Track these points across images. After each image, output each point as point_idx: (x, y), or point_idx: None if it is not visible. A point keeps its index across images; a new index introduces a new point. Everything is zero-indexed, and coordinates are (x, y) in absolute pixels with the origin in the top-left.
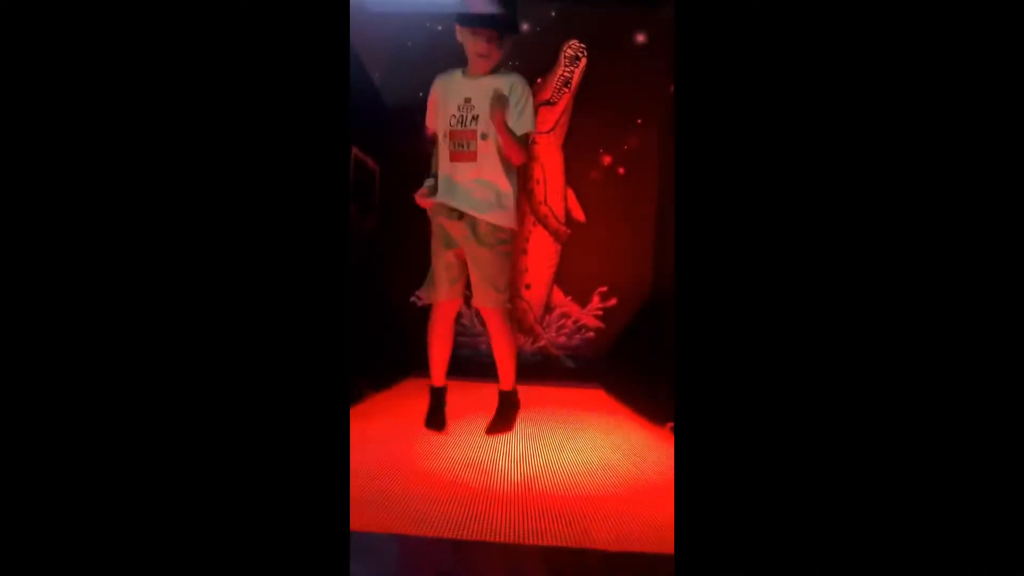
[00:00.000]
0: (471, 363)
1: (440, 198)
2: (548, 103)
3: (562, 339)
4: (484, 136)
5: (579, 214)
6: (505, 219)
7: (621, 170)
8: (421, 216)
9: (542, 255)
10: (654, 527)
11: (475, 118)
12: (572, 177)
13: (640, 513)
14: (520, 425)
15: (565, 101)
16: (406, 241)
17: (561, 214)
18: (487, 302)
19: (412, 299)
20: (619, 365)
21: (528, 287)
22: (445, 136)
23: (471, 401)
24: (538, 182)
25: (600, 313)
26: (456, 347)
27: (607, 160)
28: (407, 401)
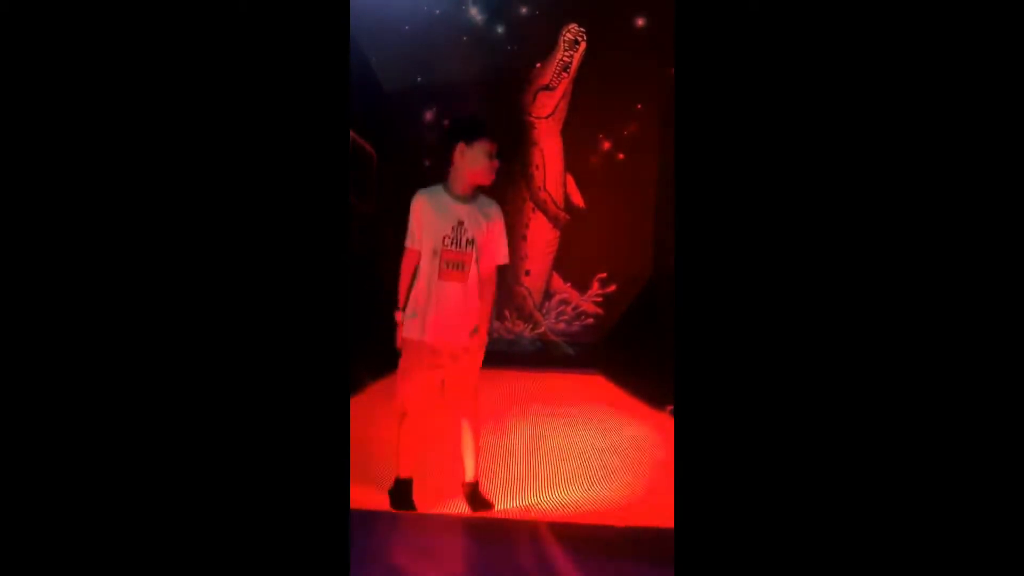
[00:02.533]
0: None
1: (425, 331)
2: (547, 88)
3: (561, 325)
4: (477, 260)
5: (578, 200)
6: (481, 344)
7: (621, 155)
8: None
9: (541, 241)
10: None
11: (470, 242)
12: (571, 163)
13: (641, 489)
14: (520, 412)
15: (564, 86)
16: (403, 225)
17: (560, 200)
18: (464, 411)
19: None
20: (619, 351)
21: (527, 273)
22: (436, 254)
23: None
24: (537, 167)
25: (600, 299)
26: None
27: (606, 145)
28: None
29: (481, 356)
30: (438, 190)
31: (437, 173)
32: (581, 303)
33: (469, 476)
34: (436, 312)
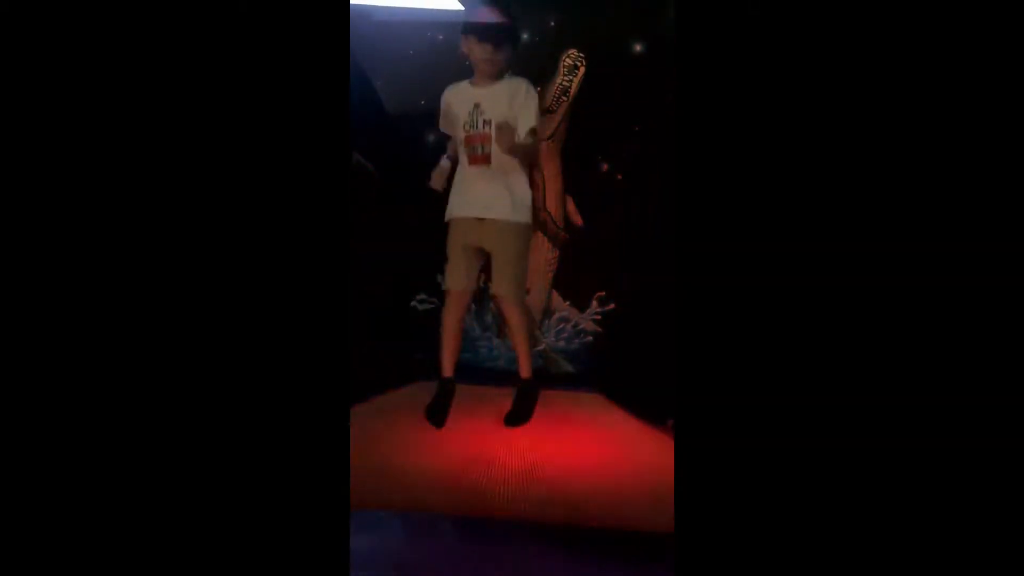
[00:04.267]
0: (471, 369)
1: (460, 209)
2: (547, 111)
3: (561, 344)
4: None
5: (578, 219)
6: (523, 217)
7: (619, 176)
8: (420, 220)
9: (541, 260)
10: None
11: (487, 122)
12: (571, 183)
13: (640, 494)
14: (521, 428)
15: (563, 109)
16: (405, 244)
17: (560, 220)
18: (508, 293)
19: (413, 304)
20: (618, 370)
21: (527, 292)
22: (460, 143)
23: (473, 405)
24: (538, 188)
25: (599, 318)
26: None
27: (605, 167)
28: (408, 401)
29: (525, 239)
30: (463, 84)
31: (439, 193)
32: (581, 321)
33: (524, 374)
34: (472, 193)
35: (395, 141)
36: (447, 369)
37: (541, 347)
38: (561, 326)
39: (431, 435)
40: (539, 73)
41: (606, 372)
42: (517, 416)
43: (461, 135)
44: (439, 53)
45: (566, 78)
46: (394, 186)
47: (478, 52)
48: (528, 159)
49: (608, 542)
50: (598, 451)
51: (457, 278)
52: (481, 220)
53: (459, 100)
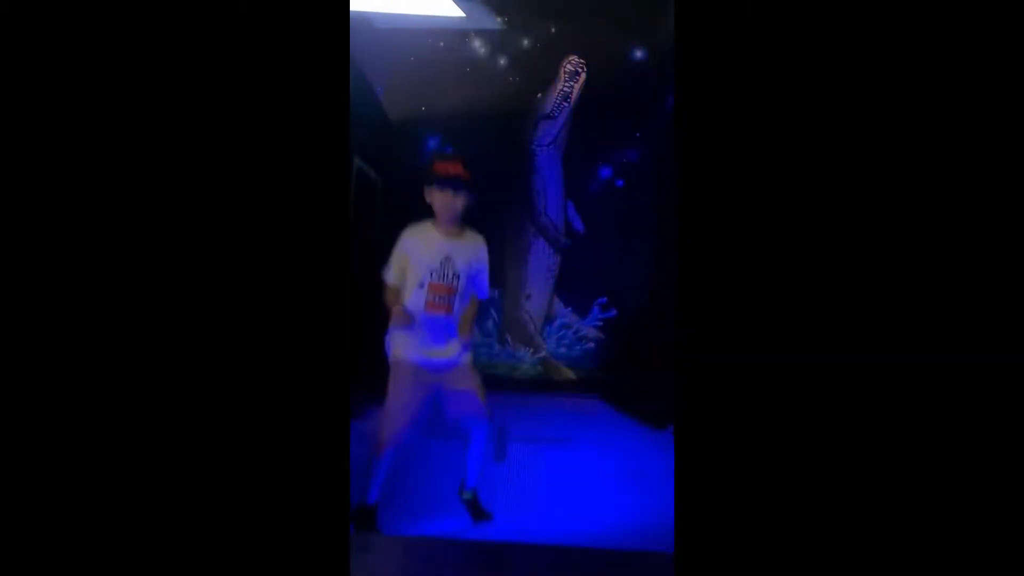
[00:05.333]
0: None
1: (414, 350)
2: (548, 117)
3: (562, 350)
4: (461, 294)
5: (579, 225)
6: (468, 360)
7: (620, 182)
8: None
9: (542, 266)
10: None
11: (456, 275)
12: (572, 189)
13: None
14: (521, 435)
15: (564, 115)
16: None
17: (561, 225)
18: (470, 417)
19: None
20: (619, 375)
21: (528, 298)
22: (423, 287)
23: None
24: (538, 194)
25: (600, 324)
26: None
27: (606, 173)
28: None
29: (471, 368)
30: (427, 226)
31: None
32: (582, 327)
33: (471, 483)
34: (424, 337)
35: (396, 147)
36: (372, 495)
37: (542, 354)
38: (562, 332)
39: (431, 447)
40: (540, 79)
41: (608, 378)
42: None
43: (425, 279)
44: (439, 60)
45: (567, 84)
46: (395, 192)
47: (439, 199)
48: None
49: (610, 563)
50: (600, 463)
51: (397, 427)
52: (436, 362)
53: (427, 247)
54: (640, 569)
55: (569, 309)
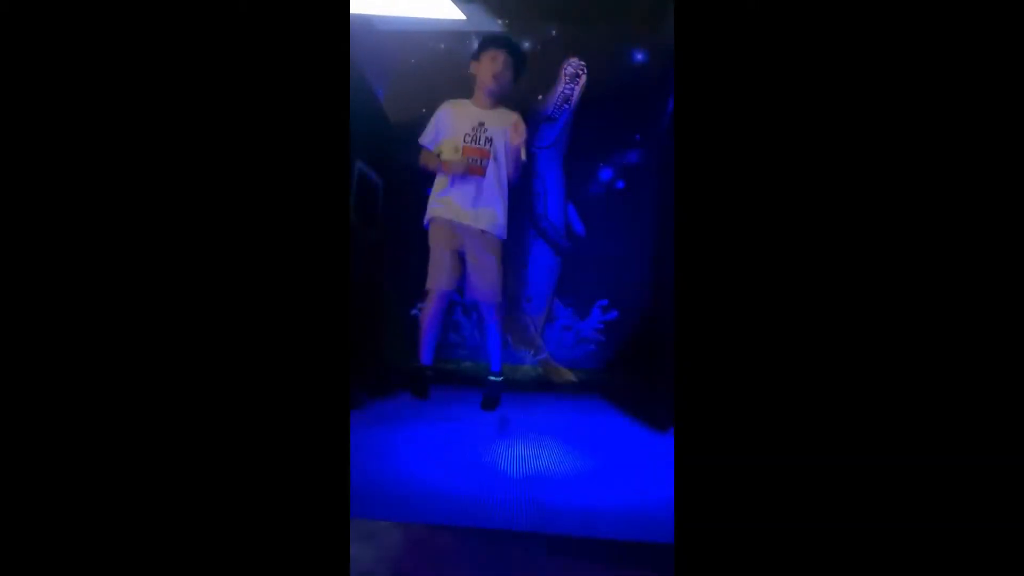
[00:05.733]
0: (473, 374)
1: (449, 211)
2: (549, 119)
3: (563, 351)
4: (495, 158)
5: (579, 227)
6: (501, 232)
7: (620, 184)
8: (422, 229)
9: (543, 268)
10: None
11: (488, 140)
12: (572, 191)
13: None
14: (522, 435)
15: (565, 117)
16: (408, 253)
17: (562, 227)
18: (486, 296)
19: (414, 312)
20: (621, 378)
21: (529, 300)
22: (457, 150)
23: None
24: (538, 196)
25: (601, 326)
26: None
27: (607, 175)
28: (407, 411)
29: (494, 242)
30: (464, 101)
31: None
32: (583, 329)
33: (496, 367)
34: (459, 198)
35: (397, 150)
36: (425, 358)
37: (543, 356)
38: (563, 334)
39: (431, 442)
40: (540, 81)
41: (610, 379)
42: (489, 405)
43: (458, 144)
44: (441, 62)
45: (568, 86)
46: (396, 195)
47: (485, 65)
48: (512, 178)
49: (609, 552)
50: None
51: (441, 279)
52: (465, 227)
53: (462, 114)
54: (640, 559)
55: (570, 311)
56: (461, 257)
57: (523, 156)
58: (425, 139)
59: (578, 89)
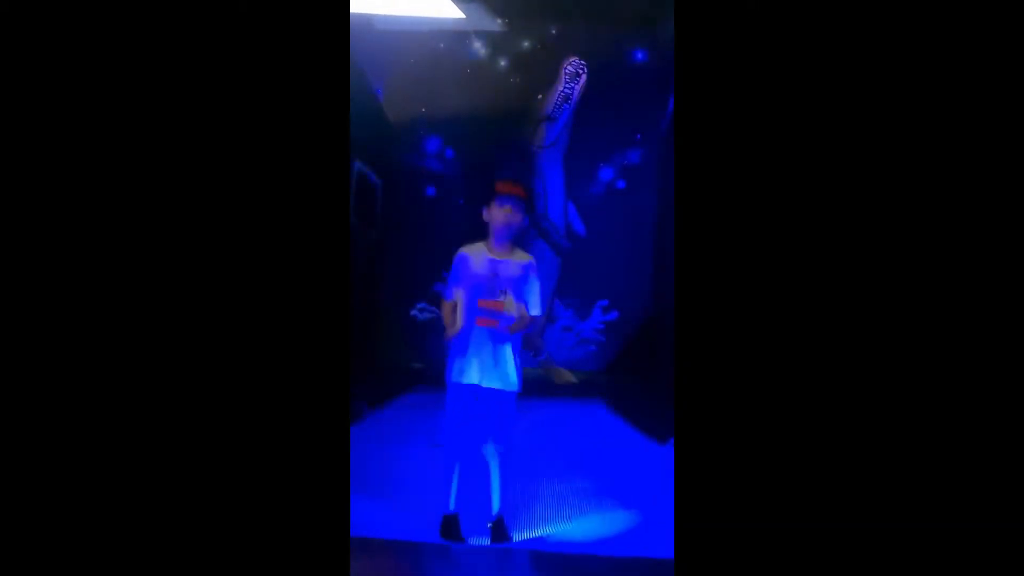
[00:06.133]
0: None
1: (462, 375)
2: (549, 118)
3: (564, 353)
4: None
5: (580, 227)
6: (515, 387)
7: (621, 184)
8: (421, 229)
9: (543, 269)
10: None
11: (504, 292)
12: (573, 191)
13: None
14: (522, 437)
15: (565, 117)
16: (407, 253)
17: (562, 227)
18: (497, 441)
19: (413, 313)
20: (621, 378)
21: None
22: (472, 302)
23: None
24: (539, 196)
25: (602, 327)
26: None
27: (607, 174)
28: (407, 412)
29: (514, 397)
30: (479, 246)
31: (440, 202)
32: (583, 330)
33: (496, 509)
34: (475, 356)
35: (396, 148)
36: (453, 504)
37: (543, 357)
38: (564, 335)
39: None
40: (540, 80)
41: (610, 381)
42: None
43: (474, 295)
44: (440, 61)
45: (568, 85)
46: (395, 195)
47: (499, 215)
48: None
49: (610, 570)
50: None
51: (457, 438)
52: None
53: (477, 264)
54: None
55: (570, 312)
56: (480, 411)
57: (533, 307)
58: (448, 292)
59: (578, 88)
